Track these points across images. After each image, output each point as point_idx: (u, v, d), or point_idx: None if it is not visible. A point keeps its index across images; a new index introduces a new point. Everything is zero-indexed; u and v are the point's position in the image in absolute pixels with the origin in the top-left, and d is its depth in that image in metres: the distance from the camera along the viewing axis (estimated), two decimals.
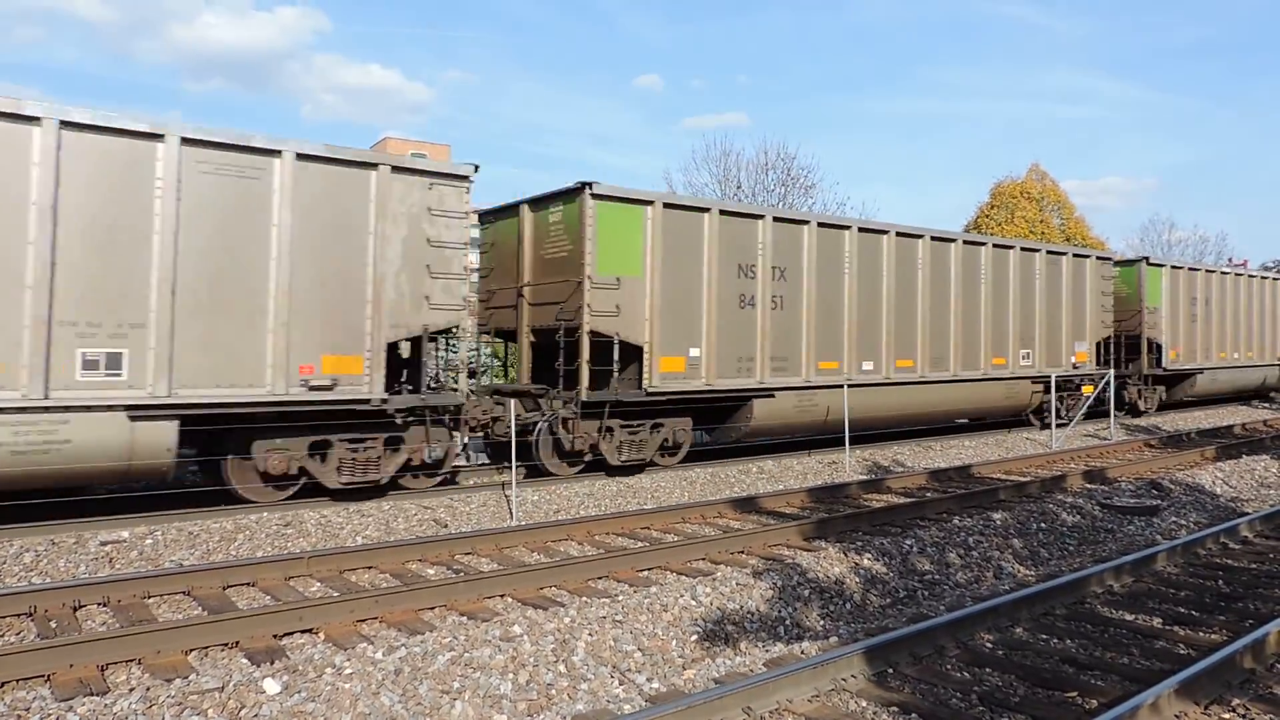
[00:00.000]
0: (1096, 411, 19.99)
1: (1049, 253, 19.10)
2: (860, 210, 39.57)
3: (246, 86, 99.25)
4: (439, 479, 11.41)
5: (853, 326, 15.10)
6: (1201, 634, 6.44)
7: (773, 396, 13.92)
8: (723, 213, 13.53)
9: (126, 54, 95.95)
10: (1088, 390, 19.56)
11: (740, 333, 13.60)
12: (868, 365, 15.38)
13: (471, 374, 15.17)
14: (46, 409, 8.48)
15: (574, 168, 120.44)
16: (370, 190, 10.35)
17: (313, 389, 9.90)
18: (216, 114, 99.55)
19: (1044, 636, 6.33)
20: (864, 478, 13.07)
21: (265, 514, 9.65)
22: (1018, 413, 19.22)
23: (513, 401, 11.36)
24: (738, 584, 7.23)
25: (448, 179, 10.90)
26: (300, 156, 9.87)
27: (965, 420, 19.59)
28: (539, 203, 13.28)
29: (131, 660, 5.65)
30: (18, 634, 6.29)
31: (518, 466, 10.77)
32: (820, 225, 14.77)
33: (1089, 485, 12.29)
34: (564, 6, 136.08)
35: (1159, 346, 22.50)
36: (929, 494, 11.80)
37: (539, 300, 13.12)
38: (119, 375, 8.85)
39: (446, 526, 9.83)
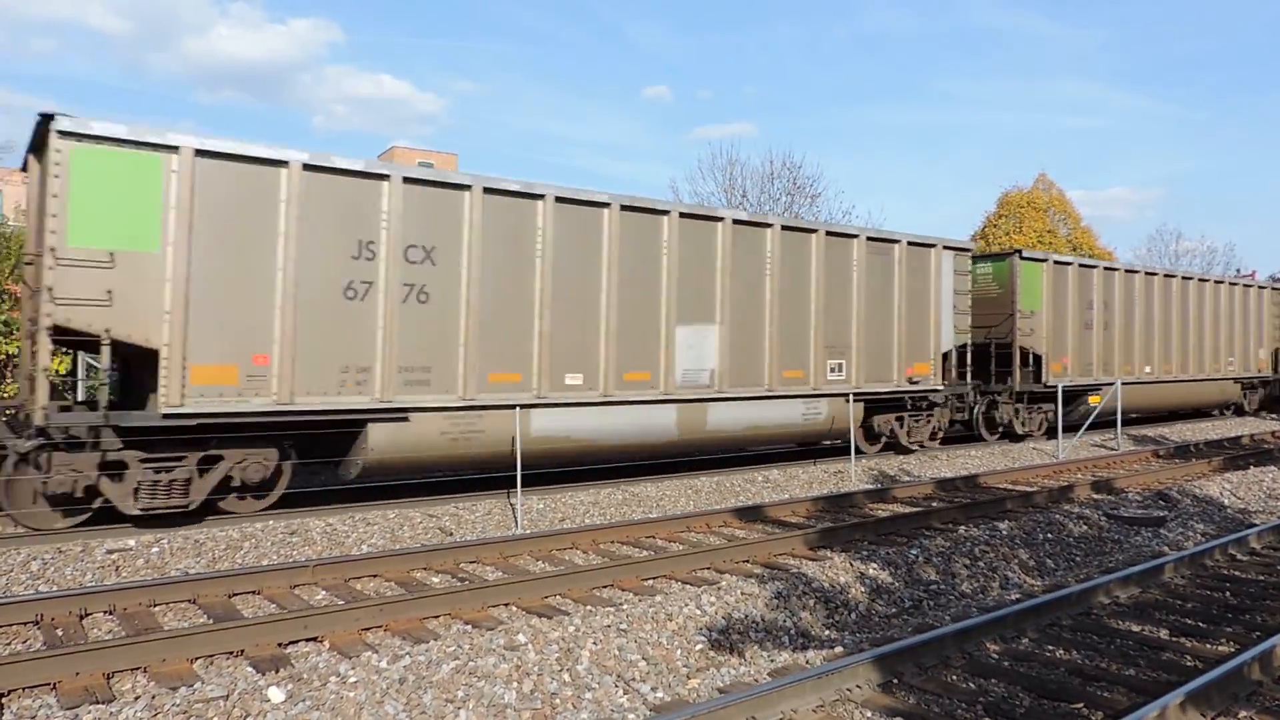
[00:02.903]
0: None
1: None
2: (867, 220, 39.57)
3: (258, 97, 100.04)
4: None
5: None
6: (1209, 646, 6.41)
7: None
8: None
9: (139, 65, 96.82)
10: (1095, 400, 19.35)
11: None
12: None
13: None
14: None
15: (583, 177, 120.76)
16: None
17: None
18: (227, 124, 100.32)
19: (1050, 647, 6.30)
20: (870, 487, 13.04)
21: (271, 522, 9.68)
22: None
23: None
24: (743, 593, 7.22)
25: None
26: None
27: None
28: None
29: (137, 668, 5.67)
30: (24, 642, 6.32)
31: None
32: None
33: (1095, 495, 12.25)
34: (574, 18, 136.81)
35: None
36: (935, 503, 11.77)
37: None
38: None
39: (451, 535, 9.84)
